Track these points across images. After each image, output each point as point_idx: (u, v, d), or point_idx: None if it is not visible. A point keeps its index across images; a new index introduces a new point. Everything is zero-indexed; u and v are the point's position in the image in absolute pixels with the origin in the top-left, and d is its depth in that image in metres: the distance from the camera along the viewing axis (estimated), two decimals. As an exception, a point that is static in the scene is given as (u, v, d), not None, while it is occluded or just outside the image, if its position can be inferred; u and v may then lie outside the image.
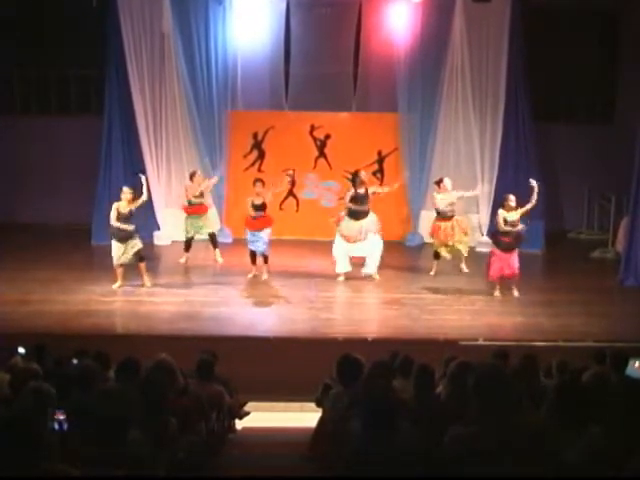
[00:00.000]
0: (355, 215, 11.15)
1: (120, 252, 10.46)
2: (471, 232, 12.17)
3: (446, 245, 11.58)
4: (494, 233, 10.81)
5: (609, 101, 15.46)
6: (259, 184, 11.25)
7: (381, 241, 11.31)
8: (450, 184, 11.61)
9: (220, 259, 12.04)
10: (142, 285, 10.73)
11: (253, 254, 11.42)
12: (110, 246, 10.58)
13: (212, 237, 12.15)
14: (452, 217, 11.52)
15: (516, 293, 10.65)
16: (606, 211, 14.15)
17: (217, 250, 12.10)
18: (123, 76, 13.43)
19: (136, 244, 10.55)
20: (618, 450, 3.26)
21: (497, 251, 10.50)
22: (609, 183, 14.01)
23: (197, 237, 12.26)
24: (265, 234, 11.18)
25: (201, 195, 12.06)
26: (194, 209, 12.04)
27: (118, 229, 10.40)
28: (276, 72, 14.05)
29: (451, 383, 4.44)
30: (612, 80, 15.33)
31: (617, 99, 15.32)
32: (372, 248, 11.27)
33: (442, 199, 11.49)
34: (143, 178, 11.14)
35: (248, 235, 11.32)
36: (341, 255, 11.32)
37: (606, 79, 15.37)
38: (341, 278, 11.36)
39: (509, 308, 10.27)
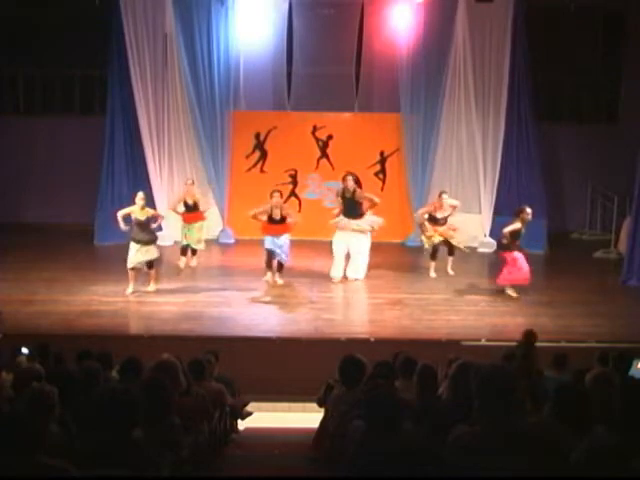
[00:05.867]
0: (348, 215, 11.02)
1: (132, 254, 10.28)
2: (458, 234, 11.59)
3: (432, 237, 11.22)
4: (504, 242, 10.55)
5: (612, 101, 15.45)
6: (277, 195, 10.78)
7: (369, 243, 11.17)
8: (447, 200, 11.35)
9: (194, 262, 11.83)
10: (147, 287, 10.59)
11: (269, 257, 10.94)
12: (113, 247, 10.57)
13: (193, 250, 11.83)
14: (444, 223, 11.32)
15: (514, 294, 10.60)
16: (609, 211, 14.13)
17: (194, 257, 11.86)
18: (126, 76, 13.45)
19: (150, 251, 10.35)
20: (621, 450, 3.26)
21: (511, 254, 10.35)
22: (612, 183, 14.01)
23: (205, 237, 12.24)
24: (285, 239, 10.74)
25: (196, 204, 11.62)
26: (191, 216, 11.60)
27: (130, 229, 10.34)
28: (278, 72, 14.07)
29: (454, 383, 4.44)
30: (615, 80, 15.32)
31: (620, 99, 15.31)
32: (361, 248, 11.10)
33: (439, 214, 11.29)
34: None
35: (268, 239, 10.77)
36: (339, 254, 11.17)
37: (609, 79, 15.36)
38: (335, 281, 11.21)
39: (512, 308, 10.26)
